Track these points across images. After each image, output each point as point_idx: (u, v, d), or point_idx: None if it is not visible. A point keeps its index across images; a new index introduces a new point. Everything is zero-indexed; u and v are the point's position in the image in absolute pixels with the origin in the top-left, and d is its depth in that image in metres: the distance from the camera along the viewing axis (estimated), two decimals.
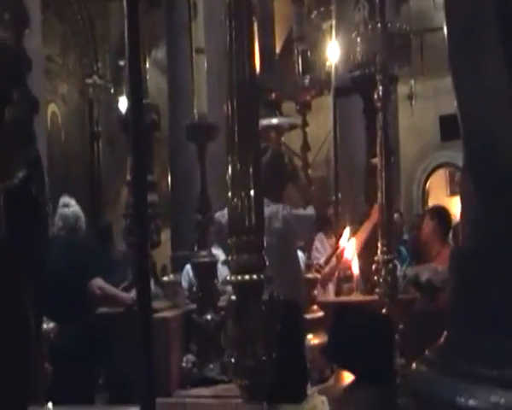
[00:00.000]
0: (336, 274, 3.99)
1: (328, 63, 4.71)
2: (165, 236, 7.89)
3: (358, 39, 4.04)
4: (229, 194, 1.63)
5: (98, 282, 4.23)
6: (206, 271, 3.33)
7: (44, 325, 2.02)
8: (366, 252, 4.08)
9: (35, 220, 1.64)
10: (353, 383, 1.81)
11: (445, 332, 1.28)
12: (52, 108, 10.65)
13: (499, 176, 1.13)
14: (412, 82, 16.22)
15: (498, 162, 1.13)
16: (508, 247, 1.11)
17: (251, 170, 1.67)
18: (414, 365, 1.29)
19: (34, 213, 1.63)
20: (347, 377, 1.86)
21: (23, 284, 1.56)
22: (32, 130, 1.67)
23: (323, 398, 1.66)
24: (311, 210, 3.97)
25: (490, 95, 1.13)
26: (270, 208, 3.72)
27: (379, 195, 3.71)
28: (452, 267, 1.30)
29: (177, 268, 6.92)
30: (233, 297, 1.44)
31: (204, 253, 3.35)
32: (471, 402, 1.05)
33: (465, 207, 1.30)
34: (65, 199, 4.99)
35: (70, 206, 4.89)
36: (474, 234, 1.21)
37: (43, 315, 2.00)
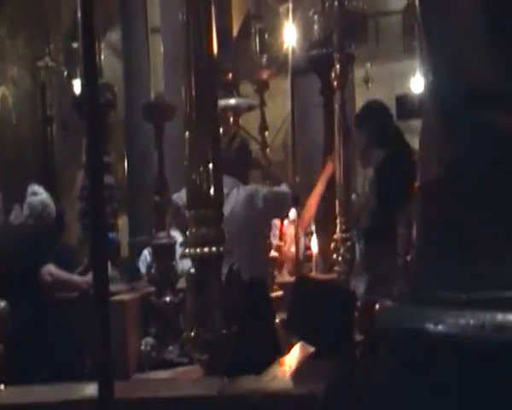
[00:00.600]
0: (294, 255, 4.00)
1: (285, 46, 4.69)
2: (123, 222, 7.81)
3: (315, 17, 4.04)
4: (187, 169, 1.60)
5: (49, 268, 4.14)
6: (165, 252, 3.30)
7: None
8: (324, 231, 4.10)
9: None
10: (313, 355, 1.82)
11: (411, 266, 1.28)
12: (2, 90, 10.40)
13: (465, 97, 1.13)
14: (368, 65, 16.31)
15: (465, 84, 1.13)
16: (475, 169, 1.10)
17: (209, 145, 1.65)
18: (378, 304, 1.29)
19: None
20: (307, 350, 1.86)
21: None
22: None
23: (284, 368, 1.66)
24: (285, 188, 3.99)
25: (458, 16, 1.13)
26: (247, 188, 3.75)
27: (336, 175, 3.72)
28: (418, 199, 1.29)
29: (135, 254, 6.85)
30: (192, 270, 1.42)
31: (162, 234, 3.32)
32: (440, 327, 1.05)
33: (426, 147, 1.30)
34: (33, 187, 4.90)
35: (38, 194, 4.79)
36: (441, 163, 1.20)
37: None
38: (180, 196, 3.26)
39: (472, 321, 1.02)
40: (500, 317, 1.00)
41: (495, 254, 1.06)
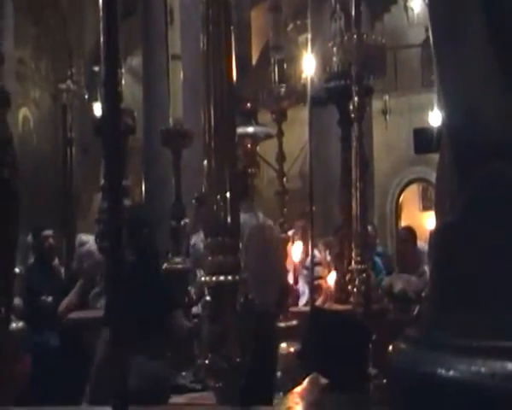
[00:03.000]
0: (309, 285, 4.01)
1: (303, 75, 4.73)
2: None
3: (334, 50, 4.07)
4: (205, 196, 1.62)
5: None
6: (180, 277, 3.31)
7: (13, 324, 1.97)
8: (340, 262, 4.09)
9: (7, 203, 1.61)
10: (327, 387, 1.81)
11: (425, 309, 1.29)
12: (24, 112, 10.54)
13: (479, 147, 1.14)
14: (386, 97, 16.38)
15: (478, 133, 1.14)
16: (486, 219, 1.11)
17: (227, 173, 1.66)
18: (391, 346, 1.29)
19: (6, 196, 1.60)
20: (321, 381, 1.86)
21: None
22: (4, 118, 1.65)
23: (297, 400, 1.66)
24: None
25: (471, 67, 1.15)
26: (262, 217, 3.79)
27: (353, 206, 3.72)
28: (432, 243, 1.31)
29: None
30: (208, 298, 1.43)
31: (178, 259, 3.33)
32: (452, 373, 1.06)
33: (442, 182, 1.31)
34: (80, 238, 4.90)
35: (85, 243, 4.78)
36: (454, 207, 1.21)
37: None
38: (202, 238, 3.28)
39: (483, 369, 1.03)
40: (510, 366, 1.01)
41: (507, 303, 1.07)
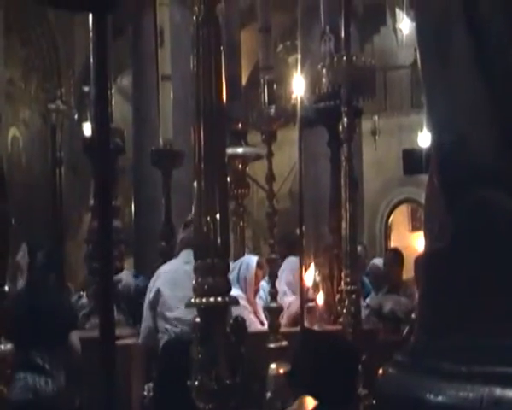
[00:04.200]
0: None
1: (293, 96, 4.76)
2: (128, 264, 7.82)
3: (324, 71, 4.09)
4: (195, 217, 1.61)
5: None
6: None
7: (1, 347, 1.95)
8: (329, 283, 4.09)
9: None
10: (317, 408, 1.81)
11: (414, 334, 1.29)
12: (13, 132, 10.53)
13: (466, 173, 1.15)
14: (376, 118, 16.47)
15: (466, 161, 1.15)
16: (473, 246, 1.12)
17: (217, 194, 1.66)
18: (381, 370, 1.29)
19: None
20: (311, 403, 1.85)
21: None
22: None
23: None
24: None
25: (459, 96, 1.16)
26: None
27: (343, 226, 3.73)
28: (421, 268, 1.31)
29: (140, 297, 6.83)
30: (197, 320, 1.42)
31: None
32: (440, 398, 1.06)
33: (431, 204, 1.32)
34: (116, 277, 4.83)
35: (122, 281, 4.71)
36: (442, 232, 1.22)
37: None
38: None
39: (471, 395, 1.03)
40: (498, 392, 1.01)
41: (494, 329, 1.07)
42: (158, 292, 3.34)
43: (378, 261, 6.48)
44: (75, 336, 3.90)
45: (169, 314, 3.25)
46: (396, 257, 5.76)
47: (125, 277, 4.38)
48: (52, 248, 6.36)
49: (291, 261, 4.62)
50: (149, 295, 3.37)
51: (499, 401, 1.00)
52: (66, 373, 3.86)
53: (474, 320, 1.11)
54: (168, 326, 3.23)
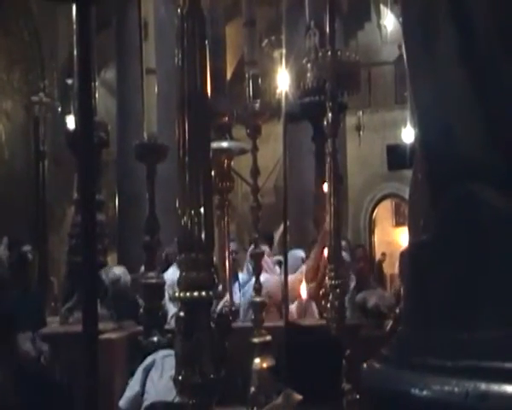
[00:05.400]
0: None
1: (278, 90, 4.76)
2: (112, 259, 7.78)
3: (309, 66, 4.10)
4: (179, 211, 1.61)
5: None
6: (154, 292, 3.29)
7: None
8: (314, 277, 4.10)
9: None
10: (301, 403, 1.81)
11: (398, 328, 1.29)
12: None
13: (451, 166, 1.15)
14: (360, 114, 16.54)
15: (452, 155, 1.15)
16: (458, 239, 1.12)
17: (201, 189, 1.66)
18: (365, 364, 1.29)
19: None
20: (295, 397, 1.85)
21: None
22: None
23: None
24: None
25: (444, 87, 1.16)
26: None
27: (327, 220, 3.74)
28: (405, 262, 1.32)
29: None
30: (181, 314, 1.42)
31: (151, 274, 3.31)
32: (425, 393, 1.06)
33: (415, 199, 1.32)
34: (114, 273, 4.78)
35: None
36: (426, 225, 1.22)
37: None
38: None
39: (456, 389, 1.03)
40: (483, 386, 1.01)
41: (479, 323, 1.08)
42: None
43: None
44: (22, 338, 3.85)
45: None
46: (363, 253, 5.85)
47: (123, 275, 4.35)
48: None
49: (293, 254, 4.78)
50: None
51: (484, 396, 1.00)
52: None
53: (458, 314, 1.11)
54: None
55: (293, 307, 4.28)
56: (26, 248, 6.59)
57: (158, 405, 2.92)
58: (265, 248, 4.83)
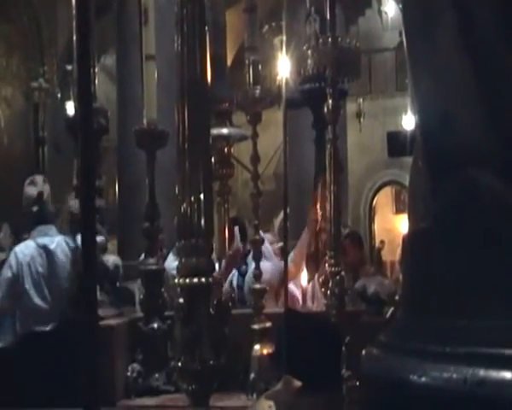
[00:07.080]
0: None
1: (278, 77, 4.75)
2: (112, 246, 7.79)
3: (309, 52, 4.08)
4: (179, 197, 1.61)
5: None
6: (154, 279, 3.29)
7: None
8: (314, 264, 4.10)
9: None
10: (300, 389, 1.82)
11: (397, 314, 1.29)
12: None
13: (452, 153, 1.15)
14: (361, 100, 16.52)
15: (452, 141, 1.15)
16: (458, 226, 1.12)
17: (201, 175, 1.66)
18: (364, 350, 1.30)
19: None
20: (295, 384, 1.86)
21: None
22: None
23: (271, 402, 1.66)
24: None
25: (445, 73, 1.15)
26: None
27: (327, 208, 3.73)
28: (405, 248, 1.32)
29: (125, 278, 6.84)
30: (181, 300, 1.42)
31: (152, 260, 3.31)
32: (424, 379, 1.07)
33: (415, 186, 1.32)
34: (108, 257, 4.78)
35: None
36: (427, 212, 1.22)
37: None
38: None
39: (455, 375, 1.03)
40: (482, 373, 1.02)
41: (477, 309, 1.08)
42: None
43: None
44: None
45: None
46: (354, 240, 5.85)
47: (115, 261, 4.36)
48: None
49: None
50: None
51: (482, 382, 1.00)
52: None
53: (457, 301, 1.11)
54: None
55: (297, 292, 4.29)
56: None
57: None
58: (268, 235, 4.84)
